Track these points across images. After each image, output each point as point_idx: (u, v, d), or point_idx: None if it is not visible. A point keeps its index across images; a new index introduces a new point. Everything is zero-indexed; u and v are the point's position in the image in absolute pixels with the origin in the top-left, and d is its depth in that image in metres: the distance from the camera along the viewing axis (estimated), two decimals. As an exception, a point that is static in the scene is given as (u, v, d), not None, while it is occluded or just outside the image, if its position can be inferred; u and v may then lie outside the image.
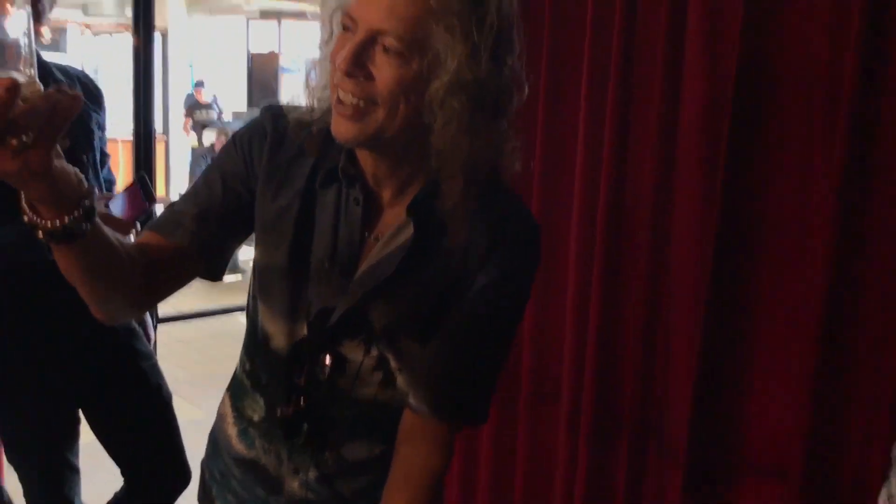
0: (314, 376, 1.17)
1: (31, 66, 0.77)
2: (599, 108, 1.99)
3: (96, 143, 2.09)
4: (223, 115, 10.56)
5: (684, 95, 1.84)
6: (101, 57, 13.24)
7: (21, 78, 0.74)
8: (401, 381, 1.17)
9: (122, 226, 1.92)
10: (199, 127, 9.91)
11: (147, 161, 2.96)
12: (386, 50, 0.98)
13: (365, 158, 1.12)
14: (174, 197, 9.36)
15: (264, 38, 12.08)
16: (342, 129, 1.03)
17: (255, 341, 1.23)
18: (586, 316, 2.05)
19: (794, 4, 1.70)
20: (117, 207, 1.92)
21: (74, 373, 2.06)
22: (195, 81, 10.70)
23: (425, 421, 1.14)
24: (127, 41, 12.85)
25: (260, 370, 1.23)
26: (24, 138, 0.75)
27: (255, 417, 1.24)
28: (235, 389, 1.29)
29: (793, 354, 1.73)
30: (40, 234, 0.86)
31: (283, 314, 1.16)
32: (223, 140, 7.93)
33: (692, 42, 1.81)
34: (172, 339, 4.77)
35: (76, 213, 0.86)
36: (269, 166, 1.15)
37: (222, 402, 1.32)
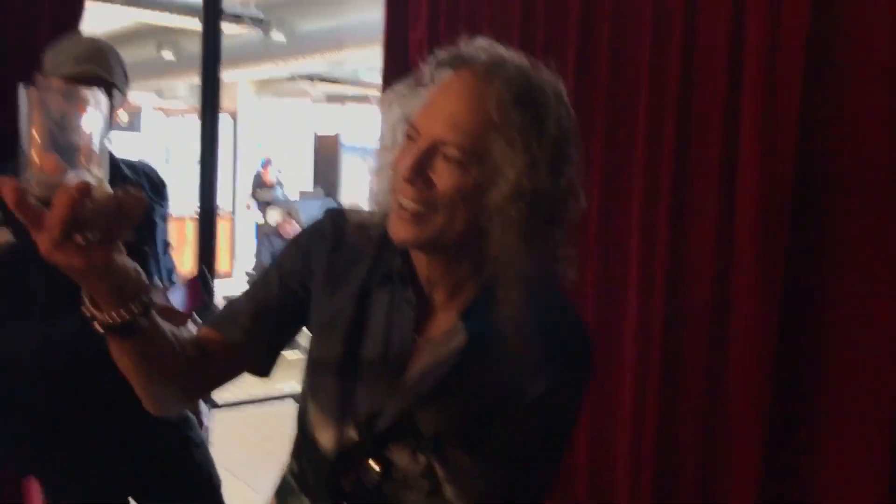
0: (360, 480, 1.16)
1: (103, 167, 0.80)
2: (651, 227, 1.99)
3: (159, 234, 2.15)
4: (286, 194, 10.83)
5: (740, 199, 1.83)
6: (174, 137, 13.82)
7: (92, 179, 0.77)
8: (448, 491, 1.14)
9: (180, 317, 1.96)
10: (263, 205, 9.98)
11: (210, 237, 3.02)
12: (447, 159, 1.02)
13: (419, 260, 1.14)
14: (238, 273, 9.57)
15: (329, 120, 12.45)
16: (401, 231, 1.05)
17: (303, 442, 1.23)
18: (643, 419, 2.01)
19: (853, 89, 1.68)
20: (177, 299, 1.96)
21: (127, 461, 2.08)
22: (263, 160, 11.01)
23: None
24: (198, 122, 13.36)
25: (307, 472, 1.23)
26: (90, 237, 0.79)
27: None
28: (282, 491, 1.29)
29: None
30: (98, 327, 0.89)
31: (332, 414, 1.17)
32: (287, 218, 8.07)
33: (747, 131, 1.81)
34: (228, 423, 4.80)
35: (134, 308, 0.89)
36: (328, 267, 1.19)
37: None
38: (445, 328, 1.14)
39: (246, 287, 1.25)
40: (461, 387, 1.12)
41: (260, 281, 1.22)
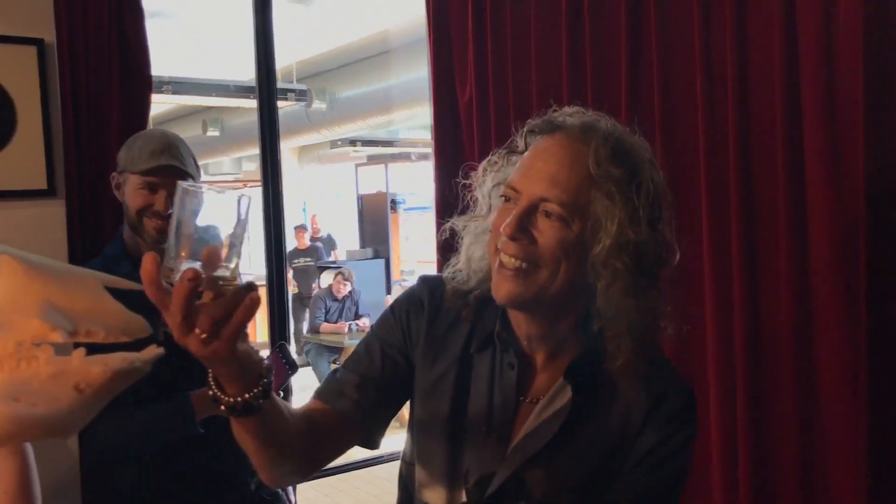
0: None
1: (234, 262, 0.84)
2: (724, 263, 1.98)
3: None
4: (334, 250, 10.50)
5: (812, 222, 1.82)
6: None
7: (226, 272, 0.82)
8: None
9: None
10: (301, 274, 9.39)
11: (281, 308, 3.07)
12: (548, 215, 1.06)
13: (519, 322, 1.16)
14: (291, 338, 9.59)
15: (373, 180, 12.60)
16: (504, 289, 1.08)
17: None
18: (734, 452, 1.98)
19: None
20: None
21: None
22: (296, 225, 10.30)
23: None
24: (245, 194, 13.65)
25: None
26: (215, 328, 0.82)
27: None
28: None
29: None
30: (222, 407, 0.93)
31: (441, 477, 1.18)
32: (340, 279, 8.09)
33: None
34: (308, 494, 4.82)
35: (256, 390, 0.92)
36: (428, 335, 1.22)
37: None
38: (549, 388, 1.15)
39: (348, 358, 1.27)
40: (569, 445, 1.13)
41: (363, 351, 1.25)
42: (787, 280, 1.86)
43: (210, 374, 0.91)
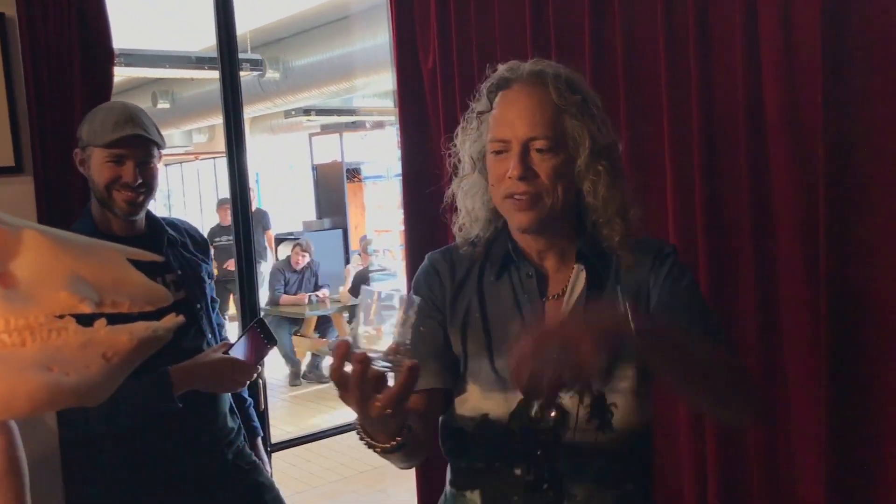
0: (538, 435, 1.30)
1: (403, 355, 1.02)
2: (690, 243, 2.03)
3: (208, 290, 2.20)
4: (267, 230, 9.53)
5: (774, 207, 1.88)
6: (173, 182, 13.94)
7: (406, 361, 1.01)
8: (617, 419, 1.29)
9: (248, 369, 2.01)
10: (223, 253, 8.14)
11: (250, 279, 3.04)
12: (540, 151, 1.28)
13: (528, 243, 1.38)
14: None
15: (327, 150, 12.51)
16: (524, 218, 1.30)
17: (462, 436, 1.36)
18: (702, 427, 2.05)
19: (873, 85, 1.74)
20: (239, 352, 2.00)
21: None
22: (218, 200, 9.49)
23: None
24: (194, 167, 13.57)
25: (475, 459, 1.36)
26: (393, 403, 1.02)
27: None
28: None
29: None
30: (377, 450, 1.15)
31: (497, 387, 1.32)
32: (298, 251, 8.02)
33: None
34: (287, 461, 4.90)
35: (404, 434, 1.14)
36: (453, 289, 1.40)
37: None
38: (565, 282, 1.36)
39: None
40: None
41: (415, 334, 1.35)
42: (750, 262, 1.94)
43: (359, 426, 1.14)
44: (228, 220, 8.85)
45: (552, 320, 1.32)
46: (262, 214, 9.53)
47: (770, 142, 1.89)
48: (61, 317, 0.65)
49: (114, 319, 0.67)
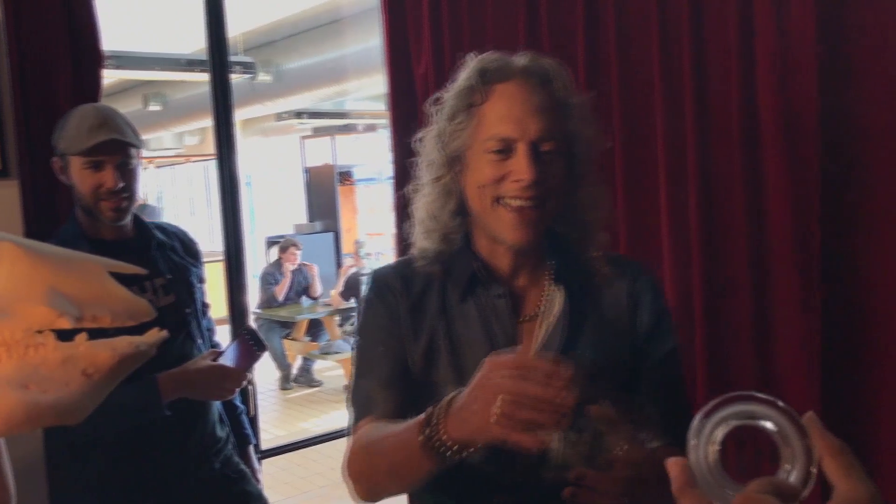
0: (516, 476, 1.19)
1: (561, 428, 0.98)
2: (683, 241, 2.02)
3: (197, 295, 2.17)
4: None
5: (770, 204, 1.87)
6: (164, 185, 13.89)
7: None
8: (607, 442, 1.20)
9: (237, 376, 1.98)
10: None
11: (239, 282, 3.02)
12: (548, 153, 1.16)
13: (499, 259, 1.25)
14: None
15: (319, 153, 12.47)
16: (524, 234, 1.18)
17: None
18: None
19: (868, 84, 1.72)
20: (229, 359, 1.98)
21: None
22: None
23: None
24: (185, 170, 13.53)
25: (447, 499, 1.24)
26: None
27: None
28: None
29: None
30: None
31: None
32: (291, 252, 7.97)
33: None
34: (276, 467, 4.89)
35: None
36: (408, 307, 1.26)
37: None
38: (539, 302, 1.24)
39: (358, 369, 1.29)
40: (583, 336, 1.22)
41: (370, 356, 1.27)
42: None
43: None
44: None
45: (527, 345, 1.20)
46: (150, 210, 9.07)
47: (764, 144, 1.88)
48: (40, 332, 0.63)
49: (95, 335, 0.65)
